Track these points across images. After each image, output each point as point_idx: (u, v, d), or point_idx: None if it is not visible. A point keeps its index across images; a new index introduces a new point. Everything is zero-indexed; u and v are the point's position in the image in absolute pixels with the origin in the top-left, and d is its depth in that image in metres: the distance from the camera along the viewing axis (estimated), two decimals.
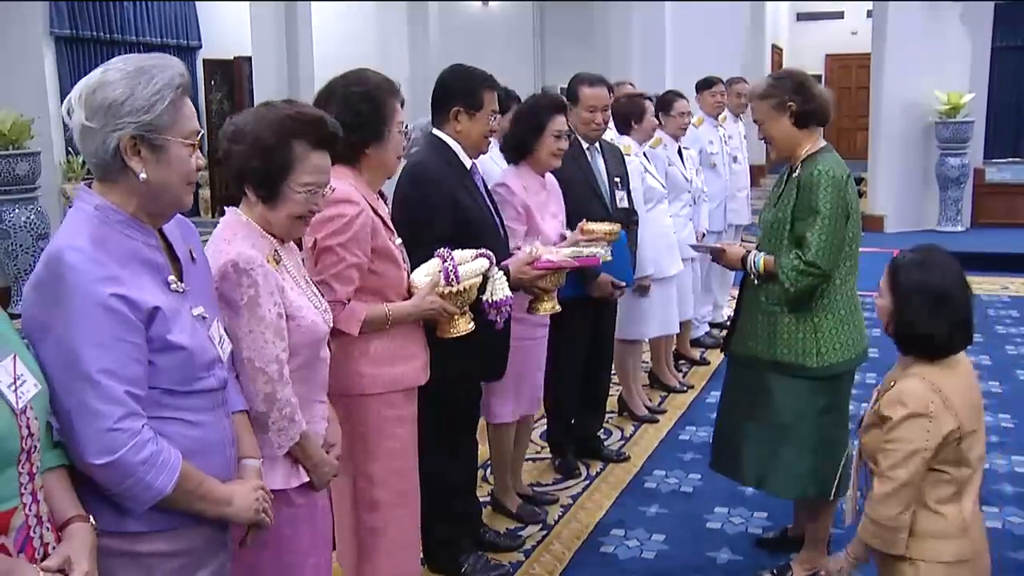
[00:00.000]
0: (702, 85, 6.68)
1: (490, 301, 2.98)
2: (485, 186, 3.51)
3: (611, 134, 4.99)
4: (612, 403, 5.27)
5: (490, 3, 14.61)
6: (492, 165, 5.22)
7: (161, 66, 1.82)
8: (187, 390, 1.88)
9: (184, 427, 1.87)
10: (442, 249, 2.88)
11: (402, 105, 2.84)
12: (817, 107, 3.31)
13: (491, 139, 3.53)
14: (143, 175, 1.80)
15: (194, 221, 2.14)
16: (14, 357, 1.59)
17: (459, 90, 3.34)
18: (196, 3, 14.70)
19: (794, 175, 3.29)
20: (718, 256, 3.52)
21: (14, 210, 8.21)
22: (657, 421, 5.27)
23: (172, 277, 1.89)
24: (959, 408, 2.32)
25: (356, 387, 2.78)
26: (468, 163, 3.37)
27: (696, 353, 6.37)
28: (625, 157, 4.80)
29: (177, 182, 1.86)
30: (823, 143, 3.34)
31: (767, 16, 15.57)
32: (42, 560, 1.59)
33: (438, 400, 3.16)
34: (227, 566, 2.05)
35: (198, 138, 1.89)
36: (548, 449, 4.72)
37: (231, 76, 14.30)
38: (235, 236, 2.25)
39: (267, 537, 2.12)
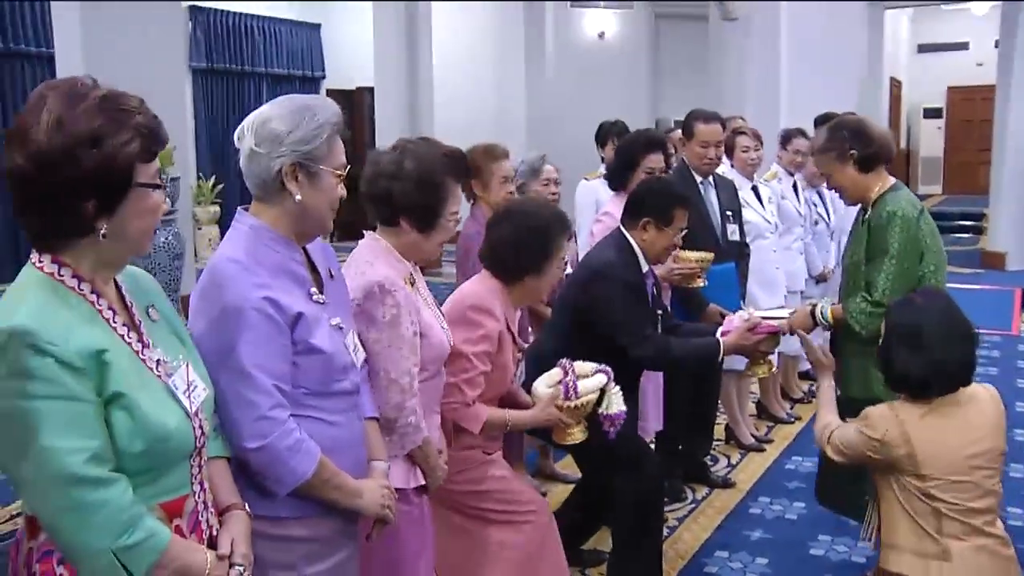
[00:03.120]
0: (821, 120, 6.72)
1: (605, 414, 3.10)
2: (655, 287, 3.68)
3: (723, 168, 5.12)
4: (720, 432, 5.38)
5: (606, 35, 14.84)
6: (604, 192, 5.45)
7: (322, 106, 2.09)
8: (325, 391, 2.11)
9: (322, 426, 2.09)
10: (564, 360, 3.03)
11: (570, 239, 3.11)
12: (878, 148, 3.34)
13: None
14: (298, 197, 2.05)
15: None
16: (187, 365, 1.82)
17: (655, 205, 3.52)
18: (321, 36, 15.40)
19: (867, 216, 3.34)
20: (791, 328, 3.50)
21: (155, 232, 8.77)
22: (764, 450, 5.35)
23: (314, 289, 2.13)
24: (929, 452, 2.43)
25: None
26: (645, 267, 3.55)
27: (804, 386, 6.39)
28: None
29: (325, 207, 2.11)
30: (892, 181, 3.37)
31: (885, 48, 15.35)
32: (208, 540, 1.82)
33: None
34: (355, 556, 2.26)
35: (344, 171, 2.14)
36: None
37: (353, 105, 14.87)
38: (376, 259, 2.53)
39: (384, 531, 2.32)
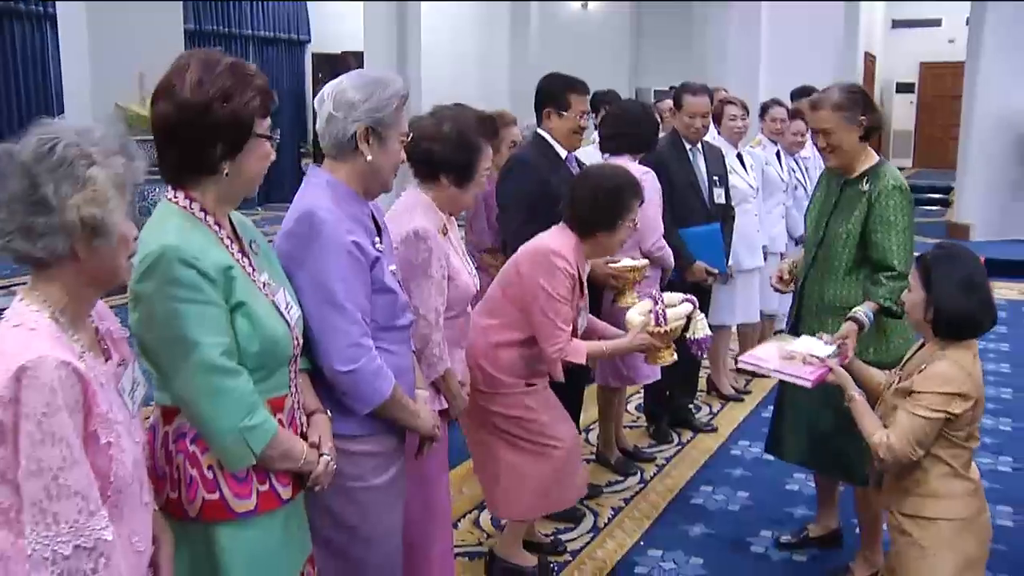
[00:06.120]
0: (797, 93, 7.09)
1: (693, 339, 3.49)
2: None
3: (710, 135, 5.47)
4: (703, 384, 5.78)
5: (589, 6, 15.09)
6: (597, 158, 5.78)
7: (392, 80, 2.41)
8: (390, 325, 2.44)
9: (387, 356, 2.41)
10: (654, 291, 3.41)
11: (641, 203, 3.43)
12: (879, 124, 3.50)
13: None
14: (369, 157, 2.37)
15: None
16: (283, 289, 2.16)
17: (549, 94, 4.05)
18: (307, 0, 15.53)
19: (860, 187, 3.40)
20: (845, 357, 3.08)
21: (155, 190, 9.04)
22: (743, 400, 5.77)
23: (377, 239, 2.44)
24: (978, 384, 2.62)
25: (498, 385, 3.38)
26: (564, 154, 4.04)
27: None
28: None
29: (390, 167, 2.44)
30: (877, 156, 3.48)
31: (861, 24, 15.70)
32: (300, 435, 2.16)
33: None
34: (404, 470, 2.60)
35: (408, 138, 2.48)
36: (644, 419, 5.26)
37: (338, 70, 15.03)
38: (414, 210, 2.87)
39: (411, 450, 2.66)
